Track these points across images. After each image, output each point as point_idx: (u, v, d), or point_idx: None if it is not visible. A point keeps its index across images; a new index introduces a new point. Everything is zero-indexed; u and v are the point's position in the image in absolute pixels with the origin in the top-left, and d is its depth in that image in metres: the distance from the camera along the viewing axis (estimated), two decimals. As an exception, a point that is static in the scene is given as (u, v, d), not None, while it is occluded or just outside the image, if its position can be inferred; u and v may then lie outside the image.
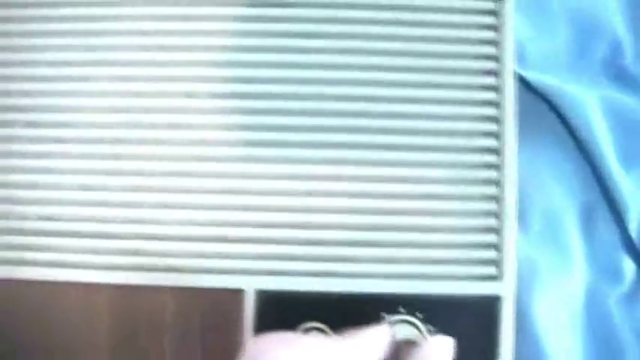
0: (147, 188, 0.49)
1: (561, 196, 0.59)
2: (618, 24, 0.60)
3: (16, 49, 0.50)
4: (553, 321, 0.57)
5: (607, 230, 0.59)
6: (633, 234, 0.57)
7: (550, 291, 0.58)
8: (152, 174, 0.49)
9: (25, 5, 0.50)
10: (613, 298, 0.58)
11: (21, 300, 0.49)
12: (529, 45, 0.60)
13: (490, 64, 0.49)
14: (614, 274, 0.58)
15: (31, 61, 0.50)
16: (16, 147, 0.50)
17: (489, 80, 0.49)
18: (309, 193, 0.49)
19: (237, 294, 0.48)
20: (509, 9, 0.50)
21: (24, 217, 0.50)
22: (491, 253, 0.49)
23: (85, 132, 0.49)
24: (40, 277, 0.49)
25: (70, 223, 0.49)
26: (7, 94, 0.50)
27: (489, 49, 0.49)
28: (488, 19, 0.50)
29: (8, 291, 0.49)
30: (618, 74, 0.60)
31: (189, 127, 0.49)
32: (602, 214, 0.59)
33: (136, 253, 0.49)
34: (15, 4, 0.51)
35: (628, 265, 0.58)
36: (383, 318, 0.48)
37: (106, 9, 0.50)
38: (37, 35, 0.50)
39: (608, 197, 0.59)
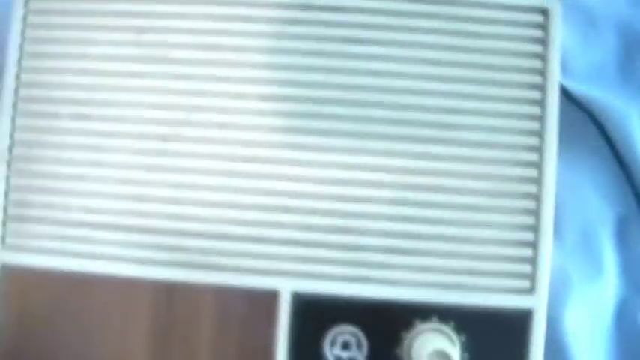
0: (191, 186, 0.50)
1: (597, 208, 0.60)
2: (666, 39, 0.60)
3: (67, 42, 0.51)
4: (583, 332, 0.58)
5: (641, 245, 0.59)
6: (668, 250, 0.57)
7: (582, 302, 0.58)
8: (196, 172, 0.50)
9: (80, -1, 0.51)
10: (644, 312, 0.58)
11: (61, 291, 0.50)
12: (574, 55, 0.60)
13: (535, 78, 0.49)
14: (646, 288, 0.58)
15: (82, 55, 0.51)
16: (63, 139, 0.51)
17: (534, 94, 0.49)
18: (348, 199, 0.49)
19: (273, 295, 0.49)
20: (557, 23, 0.49)
21: (67, 209, 0.51)
22: (526, 267, 0.49)
23: (133, 127, 0.50)
24: (81, 269, 0.50)
25: (113, 216, 0.50)
26: (57, 86, 0.51)
27: (535, 63, 0.49)
28: (536, 33, 0.50)
29: (47, 281, 0.50)
30: (662, 89, 0.60)
31: (236, 127, 0.50)
32: (638, 228, 0.59)
33: (177, 249, 0.49)
34: (66, -1, 0.51)
35: (661, 280, 0.58)
36: (416, 325, 0.49)
37: (160, 5, 0.50)
38: (90, 29, 0.51)
39: (644, 212, 0.59)
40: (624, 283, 0.58)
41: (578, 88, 0.59)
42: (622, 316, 0.58)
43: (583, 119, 0.60)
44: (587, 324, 0.58)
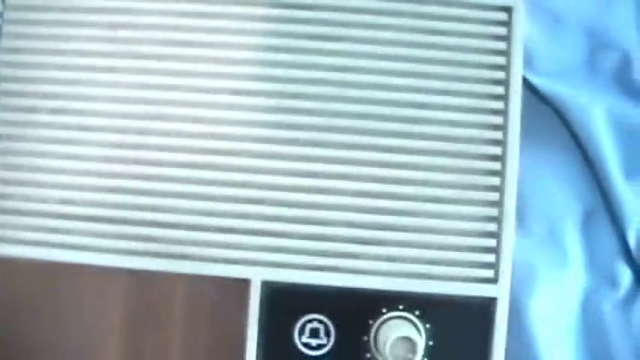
0: (164, 178, 0.51)
1: (563, 201, 0.61)
2: (630, 38, 0.61)
3: (45, 38, 0.52)
4: (549, 323, 0.59)
5: (606, 237, 0.60)
6: (631, 242, 0.59)
7: (548, 293, 0.59)
8: (169, 164, 0.51)
9: (55, -4, 0.52)
10: (609, 303, 0.59)
11: (38, 280, 0.52)
12: (541, 52, 0.61)
13: (499, 74, 0.51)
14: (610, 280, 0.60)
15: (59, 50, 0.53)
16: (40, 132, 0.52)
17: (497, 89, 0.51)
18: (317, 190, 0.51)
19: (244, 284, 0.50)
20: (520, 20, 0.51)
21: (44, 200, 0.52)
22: (489, 257, 0.51)
23: (107, 121, 0.52)
24: (57, 259, 0.51)
25: (88, 208, 0.52)
26: (34, 81, 0.53)
27: (499, 59, 0.51)
28: (500, 30, 0.51)
29: (26, 271, 0.51)
30: (626, 87, 0.62)
31: (208, 121, 0.51)
32: (602, 221, 0.61)
33: (151, 239, 0.51)
34: (44, -5, 0.53)
35: (624, 272, 0.60)
36: (382, 314, 0.50)
37: (135, 3, 0.52)
38: (66, 25, 0.52)
39: (608, 205, 0.60)
40: (589, 274, 0.60)
41: (544, 84, 0.60)
42: (587, 306, 0.59)
43: (549, 115, 0.61)
44: (554, 314, 0.59)
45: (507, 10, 0.51)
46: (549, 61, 0.61)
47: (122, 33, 0.52)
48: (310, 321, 0.50)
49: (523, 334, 0.58)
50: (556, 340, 0.59)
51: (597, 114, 0.60)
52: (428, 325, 0.50)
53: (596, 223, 0.61)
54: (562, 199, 0.61)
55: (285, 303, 0.50)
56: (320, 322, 0.50)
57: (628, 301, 0.59)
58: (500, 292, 0.50)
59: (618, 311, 0.59)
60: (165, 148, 0.51)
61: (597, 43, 0.62)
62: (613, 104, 0.61)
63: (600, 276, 0.60)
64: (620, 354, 0.59)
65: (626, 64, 0.62)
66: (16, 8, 0.53)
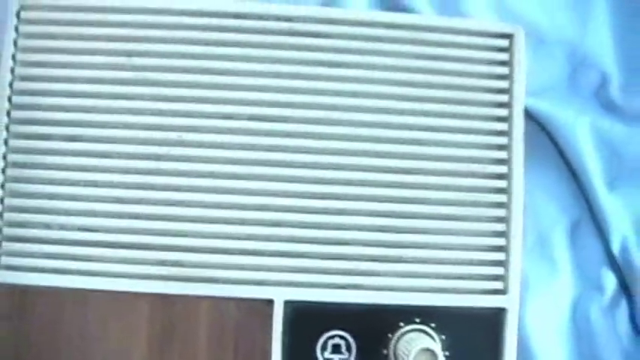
0: (185, 203, 0.52)
1: (551, 213, 0.65)
2: (608, 57, 0.65)
3: (59, 65, 0.53)
4: (542, 327, 0.62)
5: (592, 246, 0.64)
6: (615, 249, 0.63)
7: (540, 300, 0.63)
8: (190, 189, 0.52)
9: (70, 23, 0.53)
10: (596, 308, 0.63)
11: (59, 308, 0.52)
12: (526, 73, 0.64)
13: (503, 97, 0.54)
14: (597, 286, 0.64)
15: (72, 78, 0.53)
16: (56, 159, 0.53)
17: (502, 112, 0.54)
18: (334, 212, 0.53)
19: (267, 304, 0.52)
20: (521, 46, 0.54)
21: (62, 227, 0.52)
22: (499, 270, 0.54)
23: (126, 147, 0.52)
24: (78, 286, 0.52)
25: (110, 234, 0.52)
26: (49, 108, 0.53)
27: (502, 83, 0.54)
28: (502, 56, 0.54)
29: (48, 299, 0.52)
30: (606, 103, 0.66)
31: (225, 146, 0.53)
32: (588, 230, 0.64)
33: (173, 264, 0.52)
34: (59, 22, 0.53)
35: (610, 278, 0.64)
36: (400, 327, 0.53)
37: (150, 30, 0.53)
38: (80, 52, 0.53)
39: (593, 216, 0.64)
40: (578, 281, 0.63)
41: (530, 102, 0.63)
42: (577, 310, 0.63)
43: (536, 131, 0.65)
44: (546, 319, 0.62)
45: (509, 36, 0.54)
46: (534, 79, 0.64)
47: (137, 60, 0.53)
48: (332, 337, 0.52)
49: (520, 339, 0.61)
50: (548, 343, 0.62)
51: (580, 129, 0.64)
52: (443, 337, 0.53)
53: (583, 232, 0.64)
54: (550, 211, 0.64)
55: (307, 321, 0.52)
56: (341, 337, 0.52)
57: (613, 306, 0.63)
58: (510, 303, 0.53)
59: (605, 315, 0.63)
60: (185, 174, 0.52)
61: (578, 62, 0.66)
62: (595, 120, 0.65)
63: (587, 283, 0.64)
64: (607, 355, 0.62)
65: (604, 82, 0.66)
66: (30, 36, 0.53)
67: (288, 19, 0.53)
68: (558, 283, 0.63)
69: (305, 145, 0.53)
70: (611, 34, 0.66)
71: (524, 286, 0.61)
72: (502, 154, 0.54)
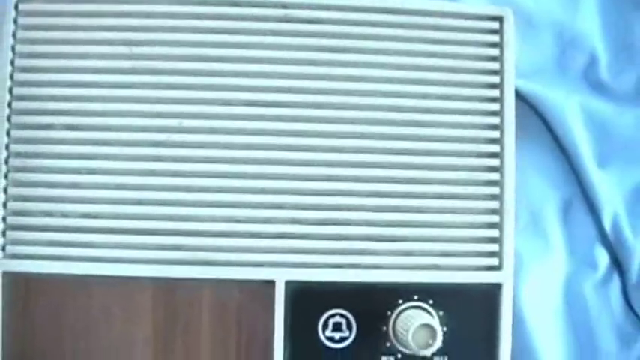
0: (185, 188, 0.53)
1: (543, 191, 0.66)
2: (595, 38, 0.67)
3: (59, 56, 0.54)
4: (536, 303, 0.64)
5: (584, 223, 0.66)
6: (607, 227, 0.65)
7: (533, 278, 0.64)
8: (188, 175, 0.53)
9: (68, 14, 0.54)
10: (589, 284, 0.65)
11: (63, 295, 0.53)
12: (516, 54, 0.66)
13: (494, 78, 0.55)
14: (589, 263, 0.65)
15: (73, 68, 0.54)
16: (58, 148, 0.54)
17: (493, 92, 0.55)
18: (332, 193, 0.54)
19: (268, 285, 0.53)
20: (511, 28, 0.56)
21: (65, 215, 0.53)
22: (493, 246, 0.55)
23: (127, 135, 0.53)
24: (81, 272, 0.53)
25: (112, 220, 0.53)
26: (50, 98, 0.54)
27: (493, 65, 0.55)
28: (493, 38, 0.56)
29: (52, 286, 0.53)
30: (595, 84, 0.67)
31: (225, 131, 0.54)
32: (580, 208, 0.66)
33: (175, 248, 0.53)
34: (57, 13, 0.54)
35: (602, 255, 0.65)
36: (399, 304, 0.54)
37: (150, 20, 0.54)
38: (79, 43, 0.54)
39: (584, 194, 0.66)
40: (571, 258, 0.65)
41: (520, 83, 0.65)
42: (569, 287, 0.65)
43: (526, 111, 0.66)
44: (540, 295, 0.64)
45: (498, 19, 0.55)
46: (524, 61, 0.66)
47: (136, 49, 0.54)
48: (333, 315, 0.53)
49: (514, 316, 0.62)
50: (542, 319, 0.64)
51: (570, 109, 0.66)
52: (441, 313, 0.54)
53: (574, 210, 0.66)
54: (542, 190, 0.66)
55: (308, 300, 0.53)
56: (342, 316, 0.54)
57: (606, 282, 0.65)
58: (505, 278, 0.55)
59: (597, 291, 0.65)
60: (184, 159, 0.53)
61: (566, 43, 0.67)
62: (584, 100, 0.66)
63: (580, 259, 0.65)
64: (600, 329, 0.64)
65: (593, 62, 0.67)
66: (29, 27, 0.54)
67: (284, 5, 0.54)
68: (551, 260, 0.65)
69: (302, 128, 0.54)
70: (599, 15, 0.67)
71: (518, 263, 0.63)
72: (494, 134, 0.55)
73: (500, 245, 0.55)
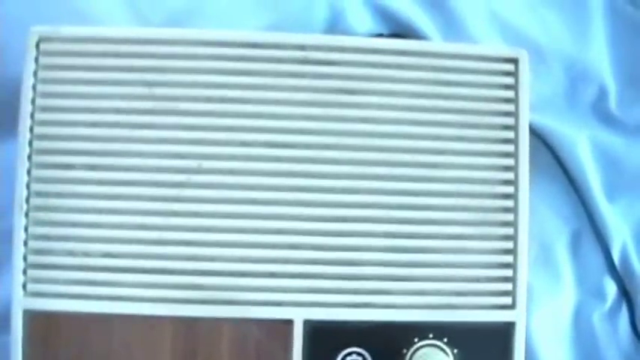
0: (205, 228, 0.54)
1: (553, 224, 0.67)
2: (605, 72, 0.68)
3: (80, 96, 0.54)
4: (546, 335, 0.65)
5: (593, 255, 0.67)
6: (616, 258, 0.66)
7: (543, 308, 0.66)
8: (210, 215, 0.54)
9: (89, 54, 0.54)
10: (597, 314, 0.66)
11: (83, 333, 0.54)
12: (528, 88, 0.67)
13: (509, 120, 0.56)
14: (598, 293, 0.66)
15: (93, 108, 0.55)
16: (78, 188, 0.54)
17: (507, 134, 0.56)
18: (349, 234, 0.55)
19: (287, 324, 0.54)
20: (526, 70, 0.56)
21: (86, 254, 0.54)
22: (507, 286, 0.56)
23: (146, 175, 0.54)
24: (102, 311, 0.54)
25: (132, 260, 0.54)
26: (70, 138, 0.54)
27: (508, 107, 0.56)
28: (508, 80, 0.56)
29: (74, 324, 0.53)
30: (604, 116, 0.68)
31: (243, 172, 0.54)
32: (589, 240, 0.67)
33: (195, 287, 0.54)
34: (78, 53, 0.54)
35: (610, 286, 0.66)
36: (414, 343, 0.55)
37: (169, 61, 0.54)
38: (100, 83, 0.54)
39: (594, 226, 0.67)
40: (580, 289, 0.66)
41: (532, 117, 0.66)
42: (578, 317, 0.66)
43: (536, 144, 0.67)
44: (550, 327, 0.65)
45: (514, 61, 0.56)
46: (535, 96, 0.66)
47: (157, 90, 0.54)
48: (350, 354, 0.54)
49: (526, 346, 0.63)
50: (553, 350, 0.65)
51: (580, 142, 0.67)
52: (456, 351, 0.55)
53: (584, 242, 0.67)
54: (551, 221, 0.67)
55: (325, 339, 0.54)
56: (358, 354, 0.55)
57: (614, 312, 0.66)
58: (518, 317, 0.56)
59: (606, 321, 0.66)
60: (204, 200, 0.54)
61: (576, 77, 0.68)
62: (594, 132, 0.67)
63: (589, 290, 0.66)
64: (607, 357, 0.65)
65: (603, 95, 0.68)
66: (50, 67, 0.55)
67: (302, 47, 0.55)
68: (561, 292, 0.66)
69: (318, 170, 0.55)
70: (609, 49, 0.68)
71: (529, 294, 0.63)
72: (509, 175, 0.56)
73: (514, 284, 0.56)
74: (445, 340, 0.55)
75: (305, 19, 0.66)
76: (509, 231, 0.56)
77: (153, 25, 0.66)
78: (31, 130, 0.54)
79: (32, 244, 0.54)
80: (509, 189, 0.56)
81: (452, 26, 0.67)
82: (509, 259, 0.56)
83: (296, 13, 0.66)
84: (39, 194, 0.54)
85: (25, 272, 0.54)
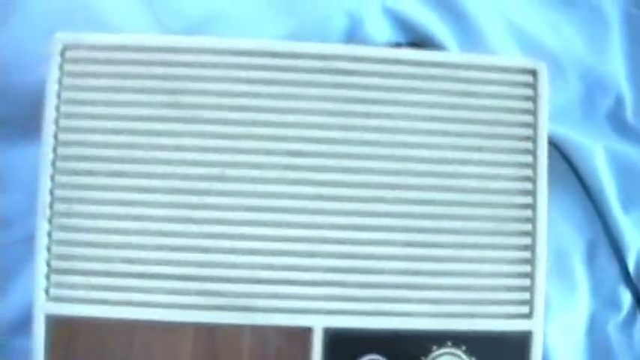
0: (226, 236, 0.55)
1: (569, 235, 0.68)
2: (622, 82, 0.68)
3: (104, 104, 0.55)
4: (562, 344, 0.66)
5: (608, 265, 0.67)
6: (631, 268, 0.66)
7: (559, 318, 0.66)
8: (232, 223, 0.55)
9: (114, 62, 0.55)
10: (612, 324, 0.66)
11: (105, 339, 0.54)
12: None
13: (528, 131, 0.57)
14: (613, 303, 0.67)
15: (117, 115, 0.55)
16: (102, 195, 0.55)
17: (526, 145, 0.57)
18: (369, 242, 0.55)
19: (306, 331, 0.55)
20: (545, 82, 0.57)
21: (109, 260, 0.55)
22: (525, 295, 0.56)
23: (169, 182, 0.55)
24: (124, 316, 0.54)
25: (154, 266, 0.55)
26: (93, 145, 0.55)
27: (527, 118, 0.57)
28: (526, 91, 0.57)
29: (94, 328, 0.54)
30: (621, 127, 0.68)
31: (266, 181, 0.55)
32: (605, 251, 0.67)
33: (216, 294, 0.54)
34: (103, 61, 0.55)
35: (626, 296, 0.67)
36: (433, 351, 0.55)
37: (192, 70, 0.55)
38: (124, 91, 0.55)
39: (610, 236, 0.67)
40: (594, 300, 0.67)
41: (548, 128, 0.66)
42: (594, 327, 0.66)
43: (551, 153, 0.67)
44: (565, 336, 0.66)
45: (533, 72, 0.57)
46: (552, 106, 0.66)
47: (181, 98, 0.55)
48: (368, 362, 0.55)
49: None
50: (568, 356, 0.65)
51: (596, 152, 0.67)
52: (474, 359, 0.55)
53: (599, 252, 0.67)
54: (567, 232, 0.67)
55: (344, 346, 0.55)
56: (377, 362, 0.55)
57: (629, 322, 0.67)
58: (536, 326, 0.56)
59: (621, 331, 0.66)
60: (226, 208, 0.55)
61: (592, 86, 0.68)
62: (609, 143, 0.68)
63: (604, 300, 0.67)
64: (622, 367, 0.66)
65: (618, 104, 0.68)
66: (75, 74, 0.55)
67: (322, 57, 0.56)
68: (576, 302, 0.66)
69: (339, 179, 0.55)
70: (625, 59, 0.69)
71: (545, 304, 0.64)
72: (527, 185, 0.56)
73: (532, 294, 0.56)
74: (463, 348, 0.56)
75: (324, 28, 0.66)
76: (528, 241, 0.57)
77: (172, 33, 0.66)
78: (55, 136, 0.55)
79: (55, 249, 0.55)
80: (528, 199, 0.57)
81: (469, 35, 0.67)
82: (527, 268, 0.56)
83: (315, 22, 0.66)
84: (62, 200, 0.55)
85: (47, 277, 0.55)
